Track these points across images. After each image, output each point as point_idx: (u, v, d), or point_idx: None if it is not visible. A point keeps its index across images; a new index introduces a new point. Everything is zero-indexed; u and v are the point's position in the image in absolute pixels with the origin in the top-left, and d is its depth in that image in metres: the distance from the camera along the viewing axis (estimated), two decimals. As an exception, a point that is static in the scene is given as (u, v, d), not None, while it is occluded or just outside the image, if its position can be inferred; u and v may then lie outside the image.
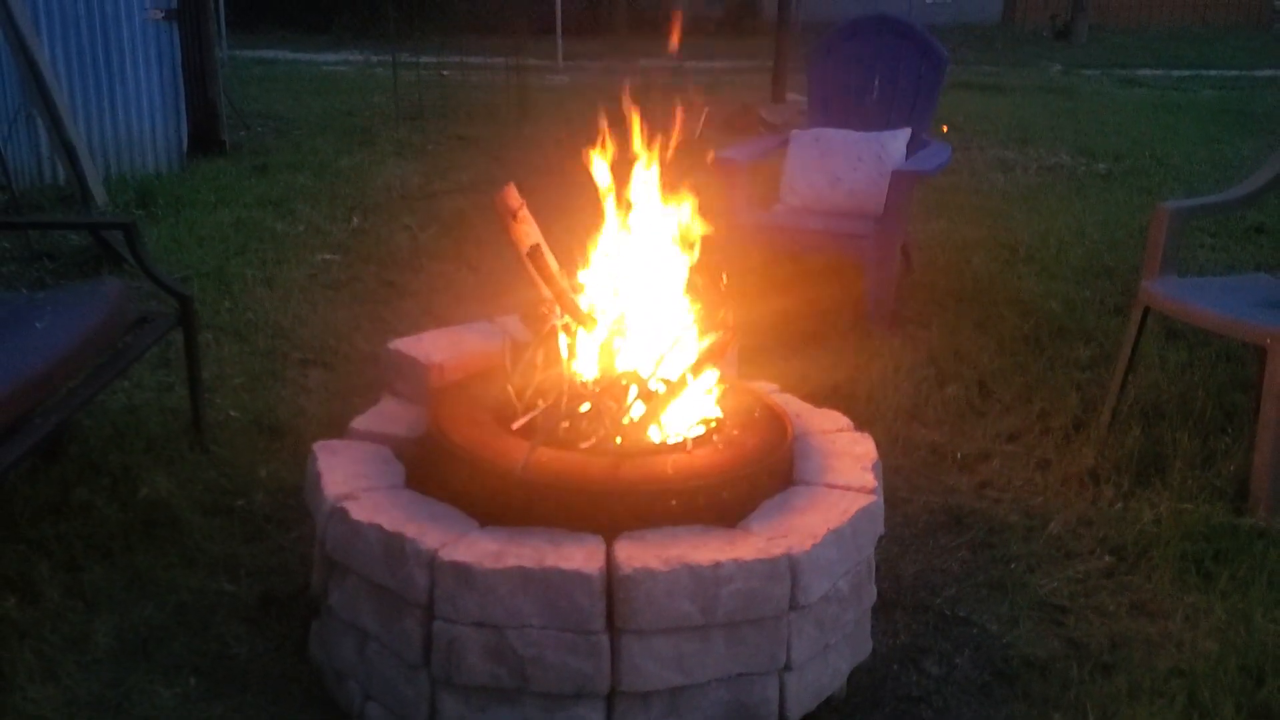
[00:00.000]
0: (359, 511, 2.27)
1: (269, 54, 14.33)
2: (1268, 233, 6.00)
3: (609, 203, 2.63)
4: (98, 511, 2.93)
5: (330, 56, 14.35)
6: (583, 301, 2.51)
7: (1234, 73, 14.76)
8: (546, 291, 2.51)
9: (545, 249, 2.52)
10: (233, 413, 3.58)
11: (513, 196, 2.59)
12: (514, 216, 2.57)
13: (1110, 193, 7.12)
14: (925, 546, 2.96)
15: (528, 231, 2.58)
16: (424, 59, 11.47)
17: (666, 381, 2.43)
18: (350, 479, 2.41)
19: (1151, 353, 4.06)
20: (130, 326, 3.09)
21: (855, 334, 4.36)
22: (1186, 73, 14.60)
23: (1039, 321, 4.51)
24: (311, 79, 12.21)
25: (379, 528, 2.21)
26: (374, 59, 13.16)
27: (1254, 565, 2.78)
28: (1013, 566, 2.85)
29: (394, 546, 2.18)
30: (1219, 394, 3.75)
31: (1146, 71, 14.57)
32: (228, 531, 2.93)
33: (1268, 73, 14.53)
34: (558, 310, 2.49)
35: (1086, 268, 5.29)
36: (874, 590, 2.47)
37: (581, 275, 2.62)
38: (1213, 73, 14.69)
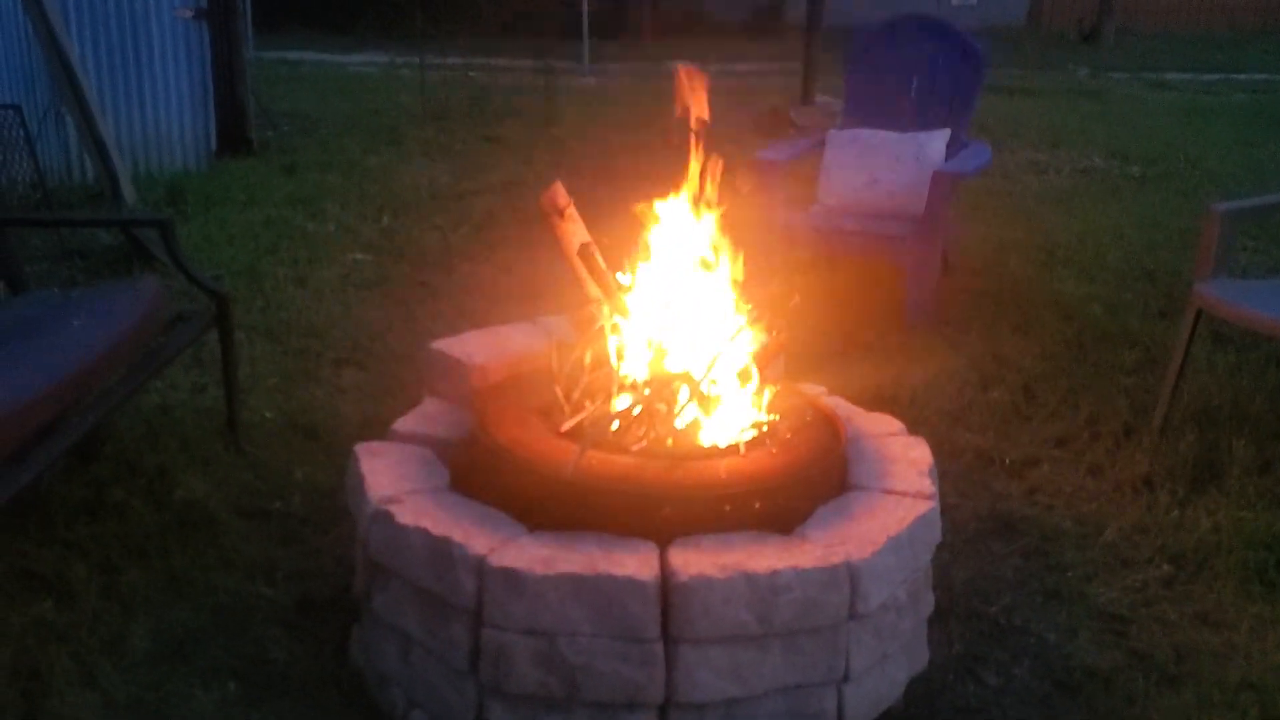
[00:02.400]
0: (404, 515, 2.22)
1: (293, 54, 14.33)
2: (1309, 235, 5.90)
3: (656, 205, 2.57)
4: (133, 512, 2.89)
5: (355, 57, 14.33)
6: (632, 301, 2.45)
7: (1264, 76, 14.59)
8: (595, 290, 2.45)
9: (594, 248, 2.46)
10: (267, 413, 3.53)
11: (560, 195, 2.53)
12: (561, 215, 2.51)
13: (1145, 196, 7.02)
14: (976, 554, 2.89)
15: (575, 230, 2.52)
16: (450, 60, 11.44)
17: (718, 383, 2.37)
18: (394, 482, 2.36)
19: (1199, 356, 3.97)
20: (166, 325, 3.05)
21: (895, 336, 4.28)
22: (1216, 76, 14.44)
23: (1081, 325, 4.43)
24: (337, 79, 12.19)
25: (425, 532, 2.16)
26: (399, 60, 13.12)
27: (1320, 576, 2.70)
28: (1069, 575, 2.78)
29: (441, 551, 2.13)
30: (1271, 398, 3.66)
31: (1175, 75, 14.42)
32: (264, 533, 2.88)
33: (1299, 77, 14.37)
34: (606, 310, 2.43)
35: (1126, 270, 5.20)
36: (931, 599, 2.41)
37: (627, 275, 2.56)
38: (1242, 76, 14.53)
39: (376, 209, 6.13)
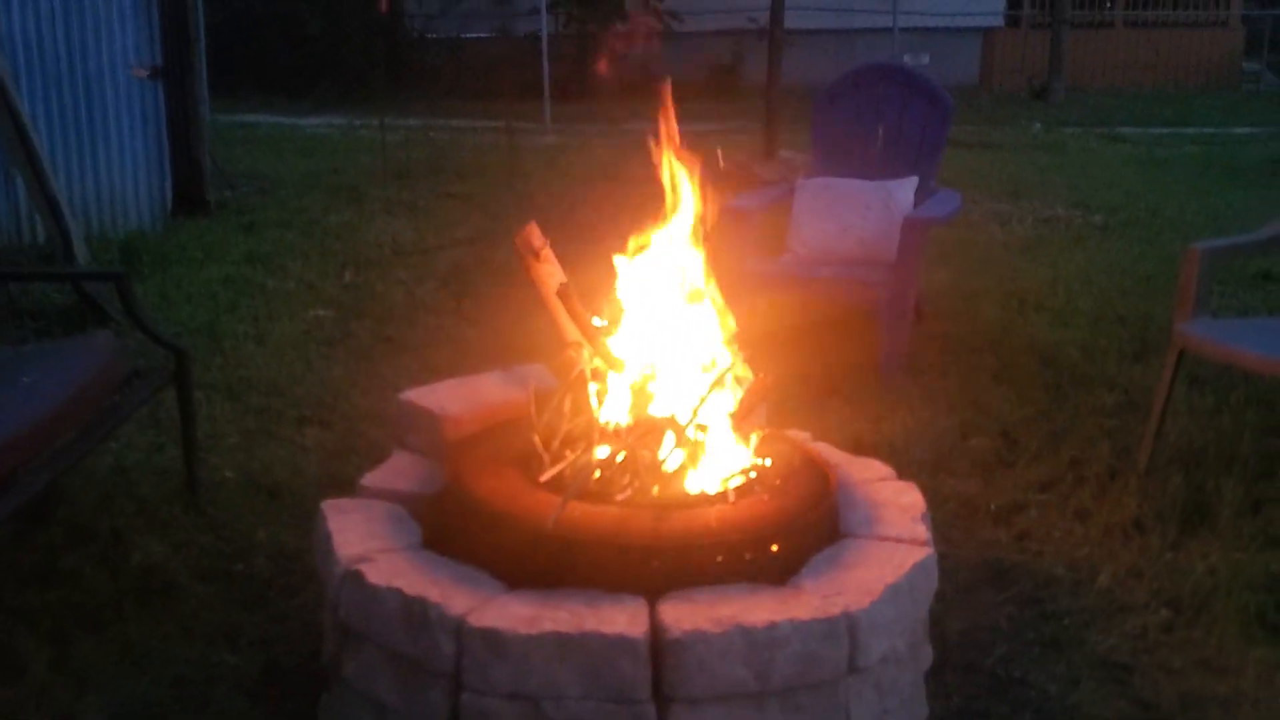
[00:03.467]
0: (376, 575, 2.10)
1: (250, 118, 14.23)
2: (1275, 279, 5.92)
3: (633, 246, 2.50)
4: (87, 579, 2.74)
5: (313, 120, 14.24)
6: (612, 344, 2.36)
7: (1211, 130, 14.85)
8: (573, 333, 2.36)
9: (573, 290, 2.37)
10: (228, 473, 3.40)
11: (535, 235, 2.45)
12: (536, 256, 2.43)
13: (1109, 243, 7.05)
14: (969, 603, 2.80)
15: (551, 271, 2.44)
16: (410, 122, 11.39)
17: (703, 428, 2.28)
18: (364, 540, 2.24)
19: (1178, 399, 3.93)
20: (122, 382, 2.92)
21: (871, 384, 4.21)
22: (1165, 130, 14.68)
23: (1058, 370, 4.39)
24: (295, 140, 12.07)
25: (399, 592, 2.05)
26: (357, 122, 13.07)
27: (1323, 617, 2.63)
28: (1065, 622, 2.69)
29: (416, 612, 2.01)
30: (1255, 439, 3.62)
31: (1127, 129, 14.65)
32: (226, 598, 2.74)
33: (1244, 130, 14.63)
34: (586, 353, 2.34)
35: (1099, 315, 5.18)
36: (930, 651, 2.31)
37: (604, 320, 2.47)
38: (1191, 130, 14.78)
39: (338, 265, 6.01)
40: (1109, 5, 19.99)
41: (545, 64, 14.69)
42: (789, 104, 10.21)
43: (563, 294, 2.31)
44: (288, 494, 3.26)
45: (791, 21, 10.26)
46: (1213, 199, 8.89)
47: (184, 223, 7.11)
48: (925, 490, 3.32)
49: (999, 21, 19.03)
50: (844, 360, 4.42)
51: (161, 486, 3.26)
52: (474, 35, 17.42)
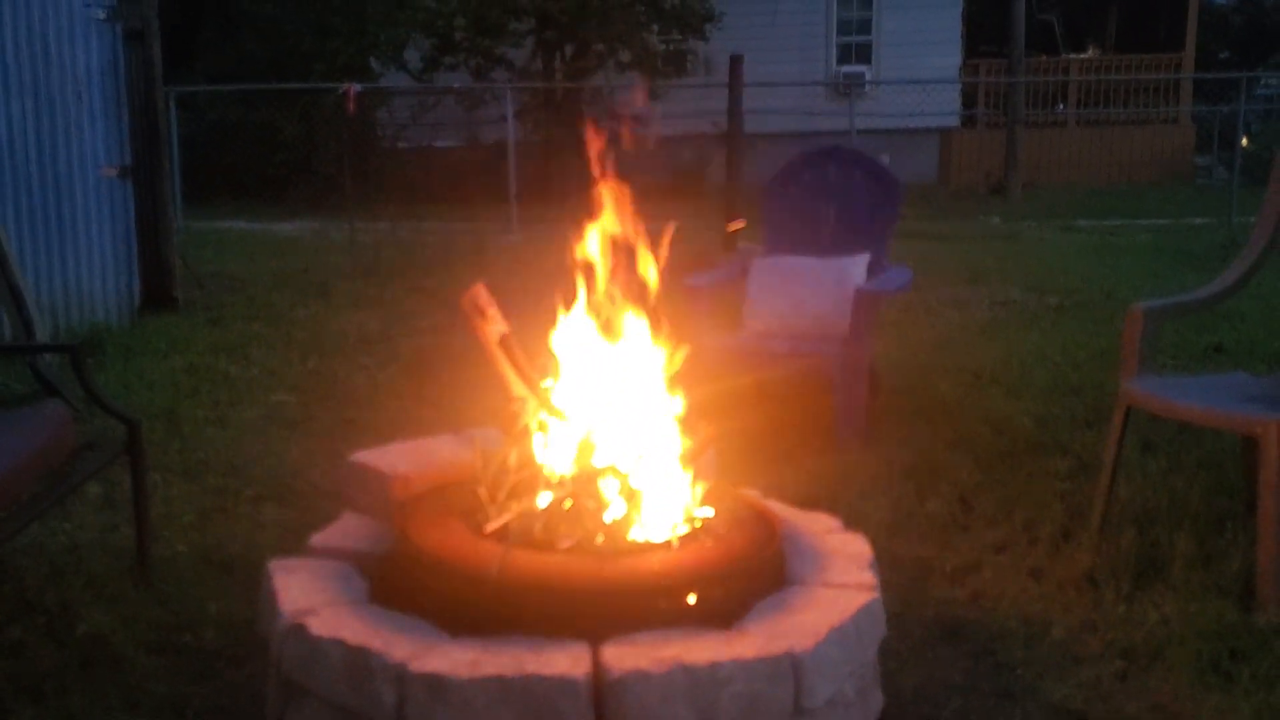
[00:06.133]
0: (319, 626, 2.09)
1: (223, 224, 14.36)
2: (1227, 352, 6.03)
3: (580, 304, 2.55)
4: (30, 650, 2.70)
5: (285, 225, 14.40)
6: (556, 396, 2.39)
7: (1163, 221, 15.20)
8: (518, 387, 2.39)
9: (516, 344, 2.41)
10: (180, 548, 3.37)
11: (481, 296, 2.49)
12: (483, 315, 2.47)
13: (1064, 323, 7.18)
14: (923, 658, 2.79)
15: (497, 330, 2.48)
16: (380, 225, 11.53)
17: (648, 476, 2.30)
18: (309, 594, 2.24)
19: (1131, 463, 3.98)
20: (73, 453, 2.91)
21: (828, 452, 4.24)
22: (1120, 221, 15.02)
23: (1013, 438, 4.43)
24: (266, 242, 12.18)
25: (341, 642, 2.04)
26: (329, 225, 13.21)
27: (1275, 662, 2.64)
28: (1019, 673, 2.69)
29: (358, 661, 2.01)
30: (1206, 497, 3.66)
31: (1082, 221, 14.99)
32: (174, 670, 2.70)
33: (1197, 220, 14.99)
34: (531, 406, 2.37)
35: (1053, 387, 5.26)
36: (880, 697, 2.31)
37: (552, 377, 2.50)
38: (1144, 221, 15.12)
39: (302, 353, 6.03)
40: (1060, 106, 20.58)
41: (512, 169, 14.97)
42: (752, 201, 10.40)
43: (504, 343, 2.34)
44: (241, 568, 3.23)
45: (752, 125, 10.50)
46: (1166, 281, 9.07)
47: (151, 319, 7.12)
48: (881, 552, 3.33)
49: (955, 122, 19.53)
50: (799, 430, 4.45)
51: (113, 564, 3.22)
52: (444, 144, 17.74)
